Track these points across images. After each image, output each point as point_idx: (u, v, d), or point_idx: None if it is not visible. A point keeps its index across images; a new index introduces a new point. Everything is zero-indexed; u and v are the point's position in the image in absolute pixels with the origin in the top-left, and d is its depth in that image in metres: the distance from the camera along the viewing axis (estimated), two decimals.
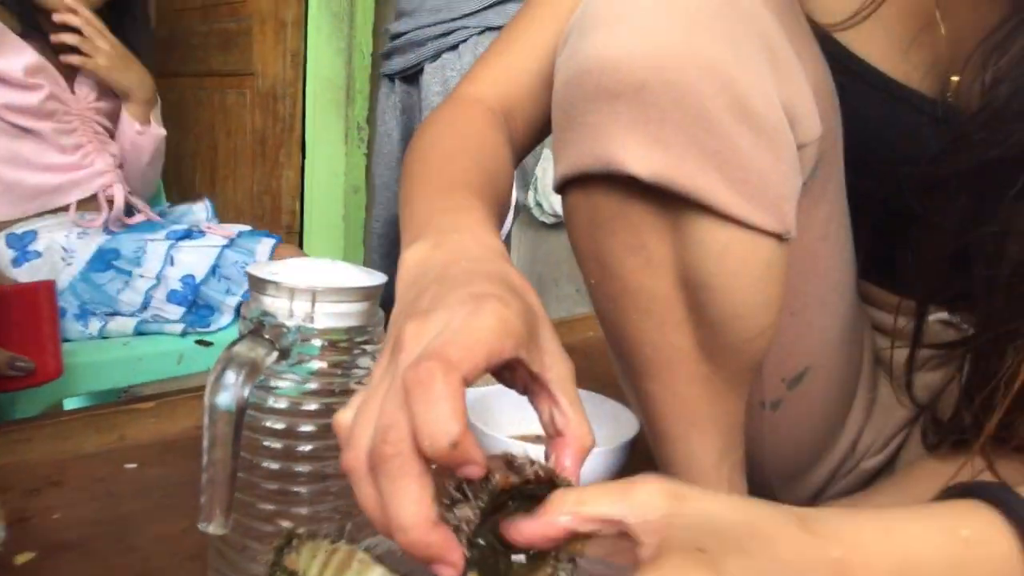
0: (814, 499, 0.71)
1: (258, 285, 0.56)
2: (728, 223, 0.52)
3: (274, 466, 0.56)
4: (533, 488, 0.37)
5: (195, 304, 1.20)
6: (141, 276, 1.16)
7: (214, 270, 1.20)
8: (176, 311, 1.18)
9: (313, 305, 0.55)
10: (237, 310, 1.25)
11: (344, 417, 0.39)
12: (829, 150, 0.58)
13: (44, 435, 0.90)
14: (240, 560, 0.56)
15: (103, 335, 1.16)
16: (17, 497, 0.76)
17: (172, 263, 1.18)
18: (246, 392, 0.50)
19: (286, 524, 0.53)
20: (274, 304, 0.55)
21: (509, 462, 0.37)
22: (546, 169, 2.39)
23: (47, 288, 0.88)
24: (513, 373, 0.42)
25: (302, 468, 0.56)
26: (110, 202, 1.30)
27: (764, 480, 0.70)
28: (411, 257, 0.48)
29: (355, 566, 0.39)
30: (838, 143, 0.60)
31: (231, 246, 1.23)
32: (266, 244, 1.25)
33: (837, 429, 0.68)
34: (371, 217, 1.88)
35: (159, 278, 1.17)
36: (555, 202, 2.35)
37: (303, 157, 2.67)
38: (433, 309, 0.40)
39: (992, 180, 0.55)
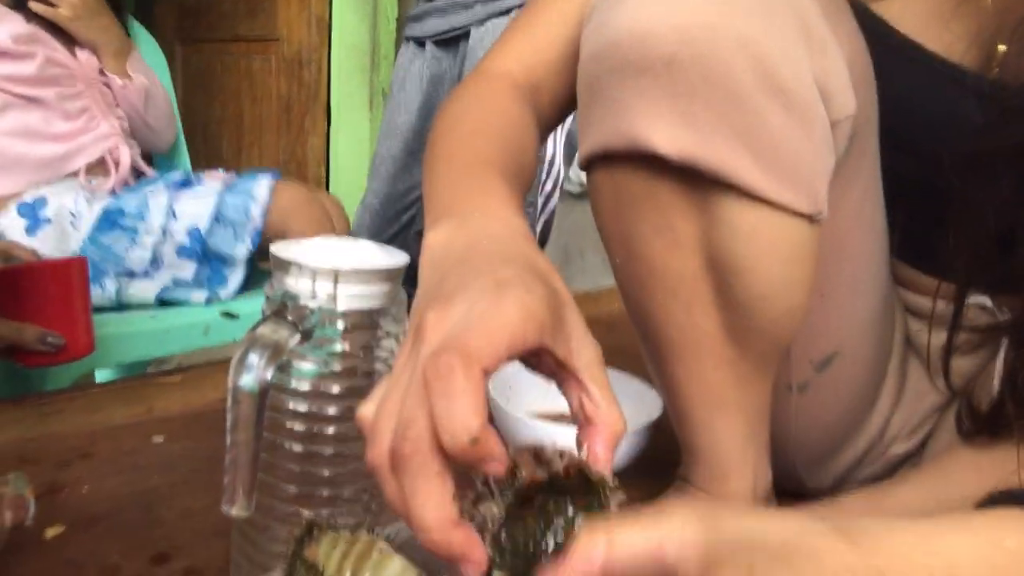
0: (839, 485, 0.70)
1: (281, 265, 0.55)
2: (757, 203, 0.51)
3: (297, 448, 0.56)
4: (563, 481, 0.36)
5: (206, 257, 1.20)
6: (147, 232, 1.17)
7: (217, 217, 1.20)
8: (189, 267, 1.18)
9: (336, 286, 0.54)
10: (249, 263, 1.25)
11: (366, 411, 0.39)
12: (864, 127, 0.56)
13: (75, 407, 0.92)
14: (263, 541, 0.57)
15: (121, 300, 1.17)
16: (48, 469, 0.78)
17: (175, 216, 1.18)
18: (269, 374, 0.49)
19: (306, 512, 0.53)
20: (296, 284, 0.55)
21: (537, 454, 0.36)
22: None
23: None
24: (539, 360, 0.40)
25: (325, 450, 0.56)
26: (118, 165, 1.29)
27: (789, 465, 0.69)
28: (434, 238, 0.46)
29: (375, 557, 0.39)
30: (873, 120, 0.58)
31: (229, 190, 1.22)
32: (263, 183, 1.24)
33: (865, 414, 0.67)
34: (368, 190, 1.80)
35: (164, 232, 1.17)
36: (582, 172, 2.32)
37: (328, 124, 2.66)
38: (454, 296, 0.39)
39: None
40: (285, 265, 0.55)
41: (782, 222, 0.51)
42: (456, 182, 0.52)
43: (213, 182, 1.25)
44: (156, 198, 1.19)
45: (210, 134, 2.87)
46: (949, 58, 0.60)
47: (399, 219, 1.72)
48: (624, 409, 0.91)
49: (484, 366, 0.35)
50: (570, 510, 0.36)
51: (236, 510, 0.50)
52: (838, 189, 0.54)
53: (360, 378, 0.57)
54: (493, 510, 0.35)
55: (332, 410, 0.56)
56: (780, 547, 0.31)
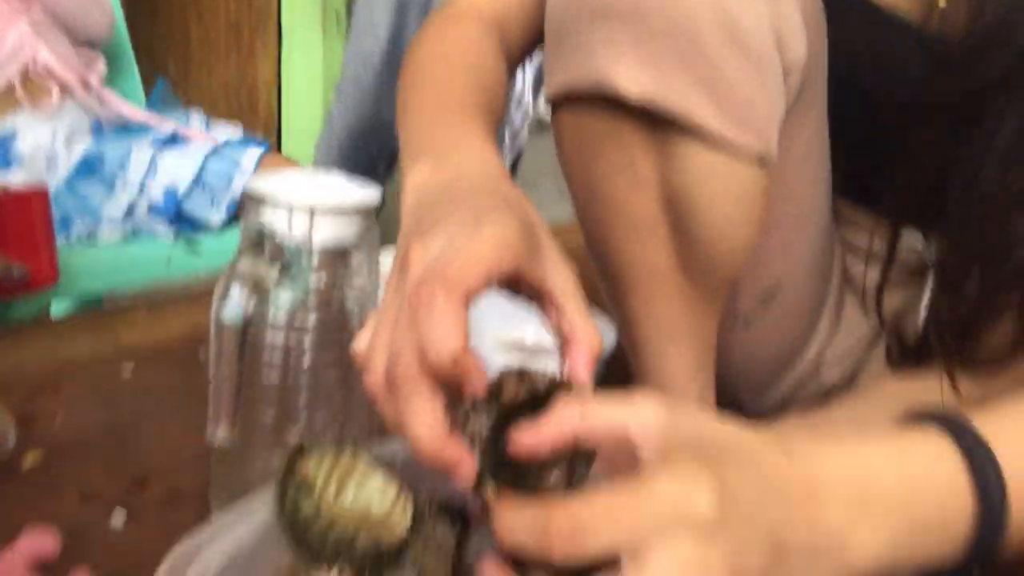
0: (777, 410, 0.75)
1: (256, 200, 0.57)
2: (713, 145, 0.54)
3: (273, 377, 0.58)
4: (546, 399, 0.39)
5: (178, 219, 1.20)
6: (124, 185, 1.15)
7: (197, 179, 1.19)
8: (159, 224, 1.18)
9: (311, 221, 0.56)
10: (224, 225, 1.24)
11: (360, 344, 0.42)
12: (814, 74, 0.59)
13: (40, 340, 0.92)
14: (242, 464, 0.60)
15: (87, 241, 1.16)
16: (19, 401, 0.79)
17: (155, 172, 1.16)
18: (250, 308, 0.52)
19: (291, 437, 0.56)
20: (272, 220, 0.56)
21: (521, 374, 0.39)
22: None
23: (40, 194, 0.88)
24: (519, 286, 0.43)
25: (300, 379, 0.59)
26: (52, 74, 1.24)
27: (731, 391, 0.74)
28: (414, 179, 0.49)
29: (358, 473, 0.43)
30: (823, 67, 0.61)
31: (215, 154, 1.21)
32: (252, 154, 1.23)
33: (804, 344, 0.72)
34: (333, 116, 1.77)
35: (142, 187, 1.16)
36: (542, 106, 2.31)
37: (279, 47, 2.59)
38: (434, 230, 0.41)
39: (972, 107, 0.57)
40: (260, 200, 0.57)
41: (735, 164, 0.54)
42: (431, 122, 0.54)
43: (200, 143, 1.22)
44: (140, 152, 1.16)
45: (156, 55, 2.76)
46: (895, 11, 0.63)
47: (366, 146, 1.70)
48: None
49: (464, 292, 0.38)
50: None
51: (220, 436, 0.53)
52: (787, 132, 0.57)
53: (334, 310, 0.60)
54: (480, 426, 0.38)
55: (307, 341, 0.59)
56: (728, 446, 0.36)
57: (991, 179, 0.56)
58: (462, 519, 0.46)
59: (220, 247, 1.22)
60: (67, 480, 0.67)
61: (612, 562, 0.32)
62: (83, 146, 1.17)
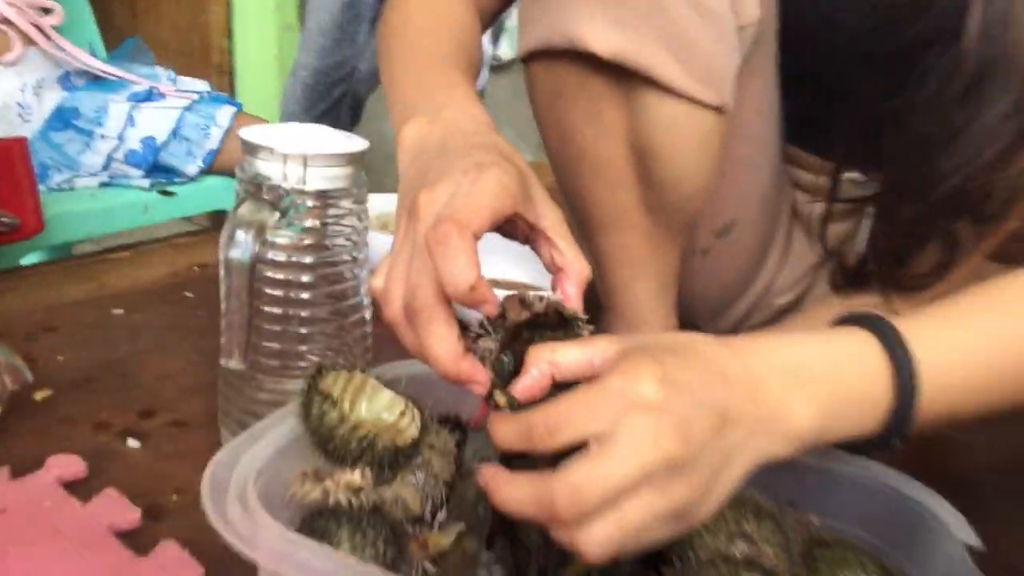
0: (731, 332, 0.83)
1: (252, 150, 0.61)
2: (676, 97, 0.60)
3: (276, 311, 0.64)
4: (544, 319, 0.45)
5: (156, 168, 1.22)
6: (102, 137, 1.16)
7: (175, 132, 1.21)
8: (136, 174, 1.20)
9: (305, 169, 0.61)
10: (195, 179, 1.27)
11: (376, 282, 0.47)
12: (765, 31, 0.65)
13: (28, 286, 0.95)
14: (249, 390, 0.65)
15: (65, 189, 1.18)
16: (17, 343, 0.82)
17: (133, 124, 1.18)
18: (256, 248, 0.57)
19: (313, 358, 0.62)
20: (268, 168, 0.61)
21: (522, 300, 0.45)
22: None
23: (20, 144, 0.90)
24: (514, 227, 0.49)
25: (300, 312, 0.64)
26: (21, 34, 1.23)
27: (691, 317, 0.81)
28: (409, 135, 0.54)
29: (368, 389, 0.49)
30: (773, 24, 0.67)
31: (191, 109, 1.23)
32: (227, 112, 1.25)
33: (756, 272, 0.79)
34: (297, 64, 1.78)
35: (120, 139, 1.17)
36: (498, 49, 2.33)
37: None
38: (440, 179, 0.47)
39: (905, 59, 0.63)
40: (256, 149, 0.61)
41: (695, 113, 0.60)
42: (419, 79, 0.59)
43: (176, 99, 1.24)
44: (117, 106, 1.17)
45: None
46: None
47: (331, 93, 1.72)
48: (548, 275, 1.02)
49: (474, 231, 0.43)
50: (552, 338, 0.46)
51: (234, 363, 0.59)
52: (741, 84, 0.63)
53: (326, 250, 0.65)
54: (489, 345, 0.44)
55: (305, 278, 0.64)
56: (675, 344, 0.42)
57: (921, 124, 0.63)
58: (460, 428, 0.53)
59: (194, 196, 1.24)
60: (78, 414, 0.72)
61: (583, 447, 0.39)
62: (55, 97, 1.18)
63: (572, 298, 0.47)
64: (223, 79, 2.64)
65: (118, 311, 0.92)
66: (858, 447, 0.47)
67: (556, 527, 0.38)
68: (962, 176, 0.60)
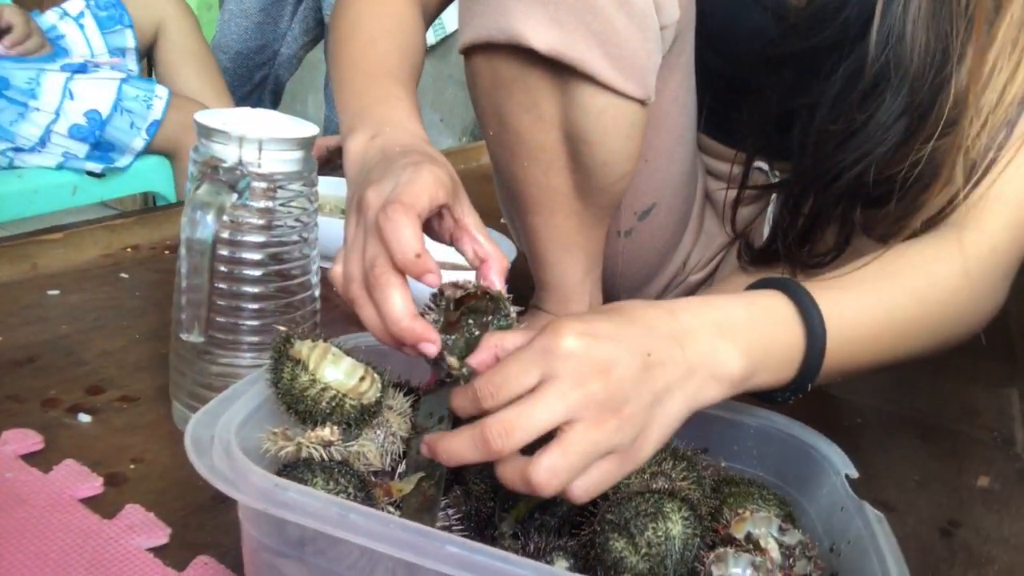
0: None
1: (207, 132, 0.64)
2: (605, 90, 0.66)
3: (227, 287, 0.67)
4: (475, 304, 0.52)
5: (98, 141, 1.21)
6: (38, 109, 1.15)
7: (116, 105, 1.20)
8: (80, 148, 1.18)
9: (260, 152, 0.64)
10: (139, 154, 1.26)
11: (336, 268, 0.54)
12: (684, 30, 0.72)
13: None
14: (202, 364, 0.68)
15: (15, 167, 1.16)
16: None
17: (71, 96, 1.16)
18: (217, 228, 0.60)
19: (281, 328, 0.65)
20: (224, 150, 0.64)
21: (455, 284, 0.52)
22: None
23: None
24: (440, 223, 0.56)
25: (249, 289, 0.67)
26: None
27: (614, 292, 0.88)
28: (354, 146, 0.60)
29: (331, 356, 0.53)
30: (691, 25, 0.74)
31: (128, 82, 1.22)
32: (162, 91, 1.26)
33: (672, 252, 0.87)
34: (215, 47, 1.77)
35: (58, 113, 1.16)
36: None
37: None
38: (383, 178, 0.53)
39: (811, 62, 0.71)
40: (211, 132, 0.64)
41: (622, 105, 0.67)
42: (363, 91, 0.65)
43: (111, 71, 1.22)
44: (51, 78, 1.15)
45: None
46: None
47: (252, 77, 1.71)
48: None
49: (417, 211, 0.50)
50: (486, 319, 0.53)
51: (194, 337, 0.61)
52: (662, 79, 0.70)
53: (277, 229, 0.68)
54: (435, 317, 0.51)
55: (256, 256, 0.67)
56: (604, 309, 0.49)
57: (824, 121, 0.70)
58: (413, 391, 0.58)
59: (122, 178, 1.24)
60: (25, 392, 0.73)
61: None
62: None
63: (496, 284, 0.54)
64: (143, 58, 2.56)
65: (54, 292, 0.93)
66: (767, 397, 0.54)
67: (502, 466, 0.43)
68: (860, 168, 0.67)
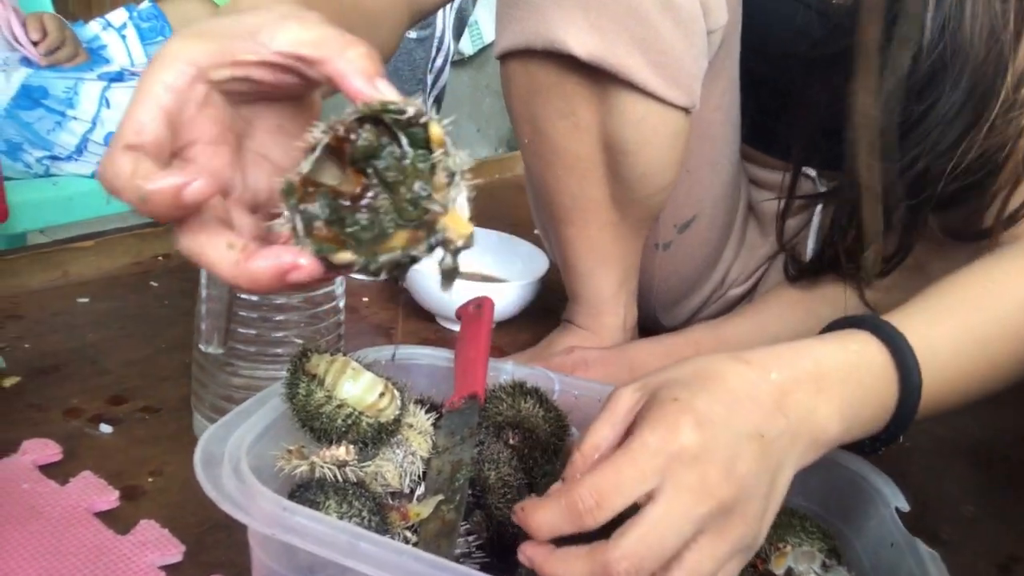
0: (688, 321, 0.87)
1: None
2: (646, 97, 0.63)
3: (251, 298, 0.65)
4: (367, 145, 0.34)
5: None
6: (75, 118, 1.15)
7: None
8: None
9: None
10: None
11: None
12: (731, 35, 0.69)
13: None
14: (224, 375, 0.66)
15: (52, 175, 1.17)
16: None
17: (108, 105, 1.17)
18: None
19: (298, 341, 0.63)
20: None
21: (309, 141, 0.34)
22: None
23: None
24: (261, 82, 0.37)
25: (274, 300, 0.66)
26: None
27: (650, 307, 0.85)
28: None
29: (350, 371, 0.50)
30: (738, 26, 0.71)
31: None
32: None
33: (713, 264, 0.83)
34: None
35: (94, 121, 1.17)
36: (460, 43, 2.35)
37: None
38: None
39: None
40: None
41: (665, 114, 0.64)
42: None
43: None
44: (88, 87, 1.16)
45: None
46: None
47: None
48: (516, 267, 1.06)
49: (132, 139, 0.34)
50: (401, 159, 0.35)
51: (213, 348, 0.60)
52: (706, 86, 0.67)
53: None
54: (295, 217, 0.34)
55: None
56: (695, 376, 0.42)
57: (878, 119, 0.66)
58: (435, 408, 0.55)
59: None
60: (48, 400, 0.72)
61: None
62: (19, 77, 1.17)
63: (367, 92, 0.35)
64: None
65: (83, 300, 0.92)
66: (853, 447, 0.49)
67: None
68: (923, 164, 0.63)
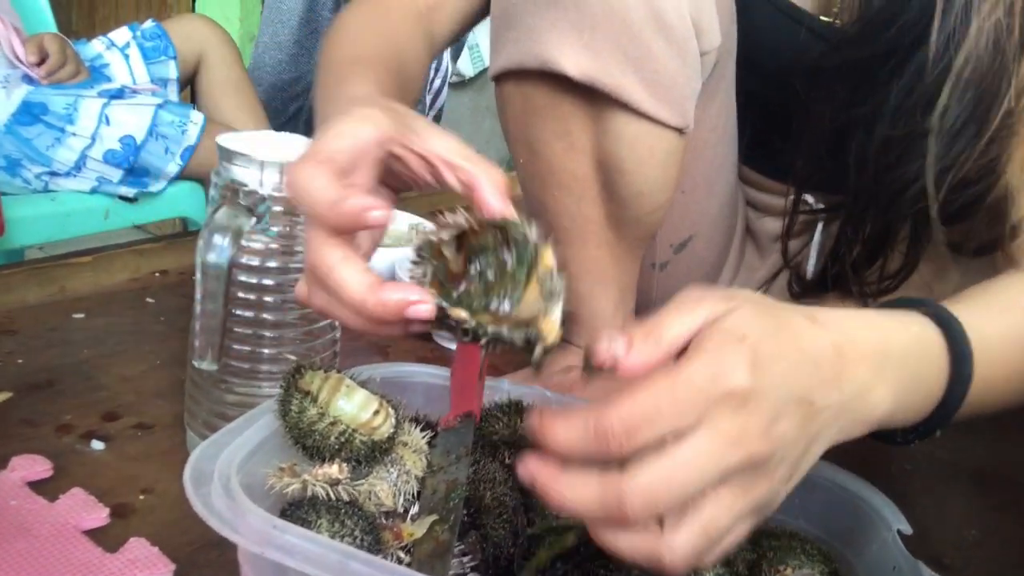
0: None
1: (229, 156, 0.62)
2: (641, 118, 0.63)
3: (246, 314, 0.65)
4: (481, 240, 0.41)
5: (134, 168, 1.22)
6: (74, 134, 1.16)
7: (151, 131, 1.21)
8: (115, 173, 1.19)
9: (282, 176, 0.62)
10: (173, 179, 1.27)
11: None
12: (725, 56, 0.69)
13: None
14: (218, 392, 0.66)
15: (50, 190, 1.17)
16: None
17: (107, 122, 1.18)
18: (233, 252, 0.58)
19: (292, 357, 0.63)
20: (245, 174, 0.62)
21: (442, 225, 0.41)
22: None
23: None
24: (408, 166, 0.45)
25: (267, 316, 0.65)
26: None
27: None
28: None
29: (344, 388, 0.50)
30: (732, 50, 0.71)
31: (164, 107, 1.23)
32: (197, 116, 1.26)
33: (711, 285, 0.83)
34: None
35: (94, 138, 1.17)
36: (460, 64, 2.36)
37: (194, 1, 2.54)
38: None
39: (865, 72, 0.67)
40: (232, 156, 0.63)
41: (658, 133, 0.64)
42: (337, 92, 0.58)
43: (148, 96, 1.24)
44: (88, 104, 1.17)
45: (58, 8, 2.65)
46: (794, 4, 0.73)
47: (286, 110, 1.72)
48: None
49: (327, 157, 0.41)
50: (501, 255, 0.42)
51: (207, 364, 0.59)
52: (701, 106, 0.67)
53: (296, 255, 0.66)
54: (421, 273, 0.41)
55: (275, 282, 0.65)
56: (769, 318, 0.39)
57: (884, 134, 0.66)
58: (430, 426, 0.55)
59: (155, 203, 1.24)
60: (40, 416, 0.72)
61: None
62: (19, 93, 1.17)
63: (495, 205, 0.43)
64: (184, 92, 2.61)
65: (79, 315, 0.92)
66: (886, 437, 0.48)
67: (622, 535, 0.35)
68: (927, 177, 0.63)
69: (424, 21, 0.72)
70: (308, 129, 1.80)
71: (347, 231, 0.42)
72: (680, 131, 0.65)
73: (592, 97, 0.62)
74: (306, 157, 0.42)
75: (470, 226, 0.42)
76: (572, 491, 0.35)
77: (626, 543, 0.35)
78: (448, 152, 0.44)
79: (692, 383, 0.35)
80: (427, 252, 0.42)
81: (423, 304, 0.40)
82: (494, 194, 0.43)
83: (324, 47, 0.68)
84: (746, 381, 0.35)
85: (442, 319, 0.40)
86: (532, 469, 0.36)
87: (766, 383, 0.36)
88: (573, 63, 0.60)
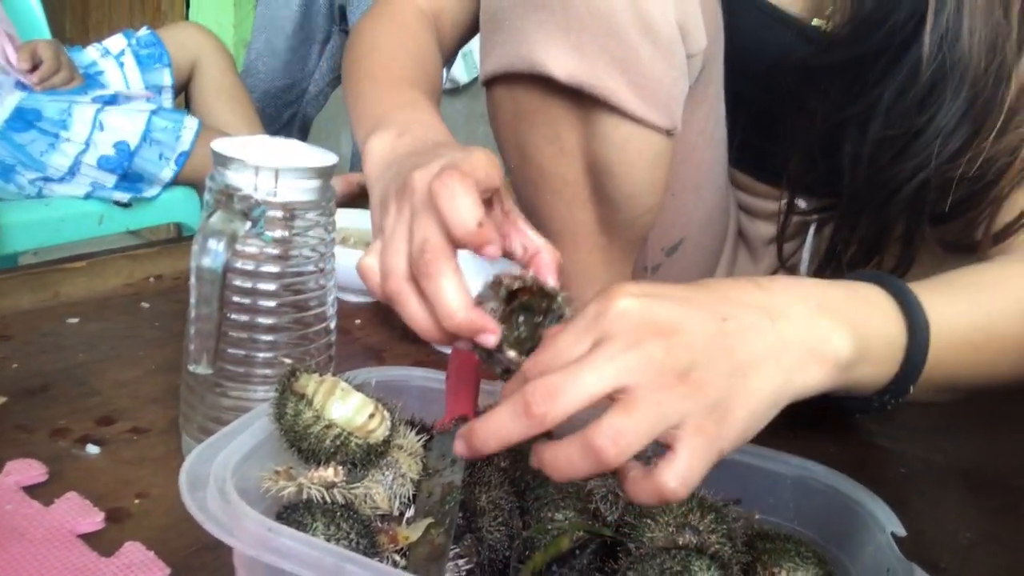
0: None
1: (223, 161, 0.63)
2: (629, 120, 0.64)
3: (241, 318, 0.65)
4: (528, 300, 0.47)
5: (128, 174, 1.22)
6: (68, 140, 1.16)
7: (145, 136, 1.21)
8: (109, 178, 1.19)
9: (276, 181, 0.63)
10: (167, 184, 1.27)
11: (368, 260, 0.48)
12: (712, 58, 0.70)
13: None
14: (213, 397, 0.66)
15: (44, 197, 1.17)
16: None
17: (101, 128, 1.18)
18: (228, 256, 0.58)
19: (287, 360, 0.63)
20: (239, 179, 0.62)
21: (512, 275, 0.47)
22: None
23: None
24: (488, 213, 0.48)
25: (264, 320, 0.66)
26: None
27: None
28: (379, 145, 0.56)
29: (339, 392, 0.50)
30: (719, 52, 0.72)
31: (158, 113, 1.23)
32: (192, 122, 1.27)
33: None
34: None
35: (88, 143, 1.17)
36: (454, 71, 2.37)
37: (187, 6, 2.54)
38: (429, 161, 0.48)
39: (857, 73, 0.68)
40: (227, 161, 0.63)
41: (647, 135, 0.64)
42: (385, 96, 0.62)
43: (142, 102, 1.24)
44: (82, 109, 1.17)
45: (51, 15, 2.65)
46: (783, 8, 0.74)
47: (281, 116, 1.72)
48: None
49: (474, 180, 0.45)
50: (537, 319, 0.48)
51: (201, 369, 0.60)
52: (689, 109, 0.68)
53: (292, 259, 0.66)
54: (493, 305, 0.45)
55: (271, 287, 0.65)
56: (699, 285, 0.42)
57: (878, 133, 0.66)
58: (425, 430, 0.55)
59: (149, 208, 1.24)
60: (35, 421, 0.72)
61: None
62: (12, 99, 1.17)
63: (549, 278, 0.49)
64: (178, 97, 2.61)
65: (73, 320, 0.92)
66: (862, 407, 0.49)
67: (555, 449, 0.38)
68: (924, 175, 0.64)
69: (434, 27, 0.74)
70: (302, 135, 1.80)
71: (465, 248, 0.45)
72: (668, 133, 0.65)
73: (580, 100, 0.63)
74: (451, 171, 0.44)
75: (530, 287, 0.47)
76: (490, 420, 0.39)
77: (558, 454, 0.38)
78: (523, 220, 0.50)
79: (583, 316, 0.40)
80: (492, 291, 0.46)
81: (492, 335, 0.44)
82: (551, 268, 0.49)
83: (350, 56, 0.71)
84: (633, 301, 0.39)
85: (491, 350, 0.45)
86: (461, 433, 0.41)
87: (658, 301, 0.39)
88: (560, 65, 0.60)
